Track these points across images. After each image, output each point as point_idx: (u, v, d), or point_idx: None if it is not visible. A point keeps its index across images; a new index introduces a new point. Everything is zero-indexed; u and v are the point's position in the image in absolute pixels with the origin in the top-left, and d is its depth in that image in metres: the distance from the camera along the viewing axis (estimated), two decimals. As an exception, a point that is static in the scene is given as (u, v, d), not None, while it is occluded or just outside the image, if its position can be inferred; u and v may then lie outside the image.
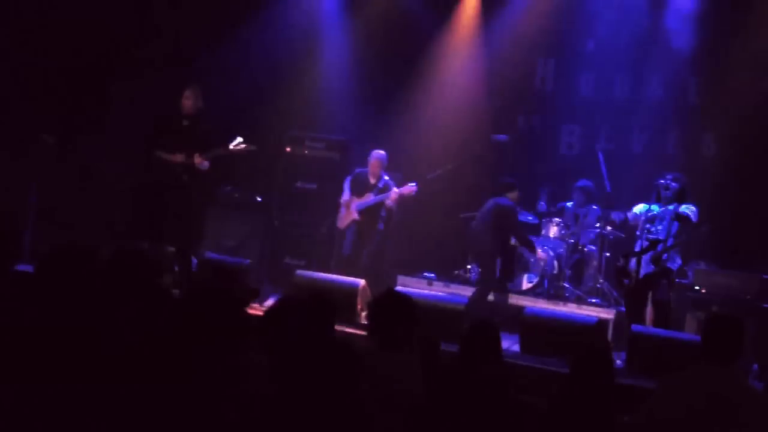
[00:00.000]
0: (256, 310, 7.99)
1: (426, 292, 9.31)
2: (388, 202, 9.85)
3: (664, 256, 8.22)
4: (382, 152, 10.06)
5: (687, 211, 8.26)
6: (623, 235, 9.78)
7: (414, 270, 10.67)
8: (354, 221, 10.02)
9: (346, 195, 10.11)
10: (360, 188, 10.06)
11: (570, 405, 4.13)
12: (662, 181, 8.30)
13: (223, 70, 11.27)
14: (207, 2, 11.18)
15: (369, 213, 9.98)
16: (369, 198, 9.98)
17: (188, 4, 10.99)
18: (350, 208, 10.05)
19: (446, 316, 8.21)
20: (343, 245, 10.10)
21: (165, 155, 8.64)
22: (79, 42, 10.38)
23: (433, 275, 10.62)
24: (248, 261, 9.57)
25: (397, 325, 4.59)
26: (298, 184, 11.20)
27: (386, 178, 10.02)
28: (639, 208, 8.63)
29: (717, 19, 10.73)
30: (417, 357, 4.66)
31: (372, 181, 10.04)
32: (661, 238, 8.19)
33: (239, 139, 8.81)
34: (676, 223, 8.28)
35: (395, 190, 9.80)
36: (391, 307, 4.64)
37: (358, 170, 10.22)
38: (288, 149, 11.20)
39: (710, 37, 10.80)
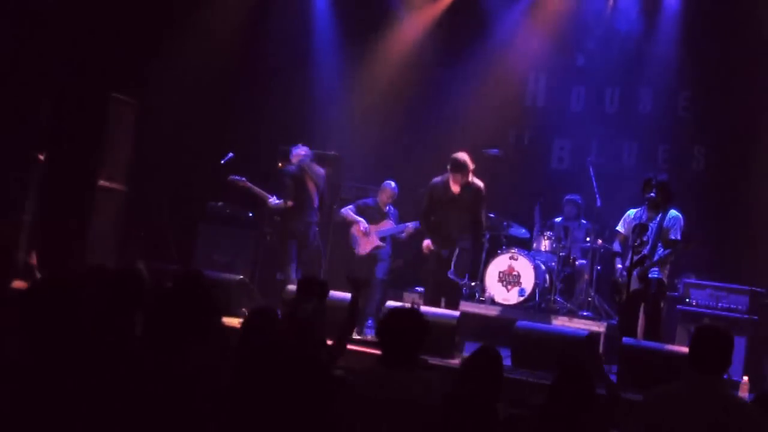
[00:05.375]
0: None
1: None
2: (403, 236, 10.22)
3: (650, 271, 8.28)
4: (394, 184, 10.37)
5: (675, 234, 8.29)
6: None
7: (405, 284, 10.69)
8: (377, 247, 10.25)
9: (364, 224, 10.29)
10: (374, 217, 10.34)
11: (552, 417, 4.14)
12: (651, 194, 8.33)
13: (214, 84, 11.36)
14: (203, 20, 11.27)
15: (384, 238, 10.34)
16: (390, 225, 10.31)
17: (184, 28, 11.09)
18: (370, 235, 10.27)
19: (437, 330, 8.21)
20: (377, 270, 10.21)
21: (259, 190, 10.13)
22: (77, 58, 10.41)
23: (423, 290, 10.63)
24: (240, 276, 9.61)
25: (409, 342, 4.51)
26: (290, 199, 11.20)
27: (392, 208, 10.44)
28: (631, 213, 8.66)
29: (706, 32, 10.80)
30: (433, 374, 4.57)
31: (384, 210, 10.35)
32: (646, 253, 8.23)
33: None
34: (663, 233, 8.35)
35: (410, 225, 10.14)
36: (403, 324, 4.55)
37: (361, 201, 10.50)
38: (279, 164, 11.21)
39: (700, 51, 10.87)
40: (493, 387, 4.54)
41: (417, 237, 10.30)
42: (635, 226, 8.32)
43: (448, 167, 9.15)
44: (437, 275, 9.28)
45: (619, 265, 8.59)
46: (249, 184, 10.14)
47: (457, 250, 9.17)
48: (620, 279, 8.44)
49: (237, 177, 10.13)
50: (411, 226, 10.14)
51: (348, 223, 10.43)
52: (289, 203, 10.00)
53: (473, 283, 10.09)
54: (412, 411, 4.23)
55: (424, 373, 4.47)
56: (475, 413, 4.29)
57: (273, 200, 10.08)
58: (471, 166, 9.15)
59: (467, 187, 9.17)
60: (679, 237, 8.31)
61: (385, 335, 4.52)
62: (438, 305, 9.10)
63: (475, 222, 9.29)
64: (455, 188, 9.18)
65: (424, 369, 4.64)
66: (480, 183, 9.24)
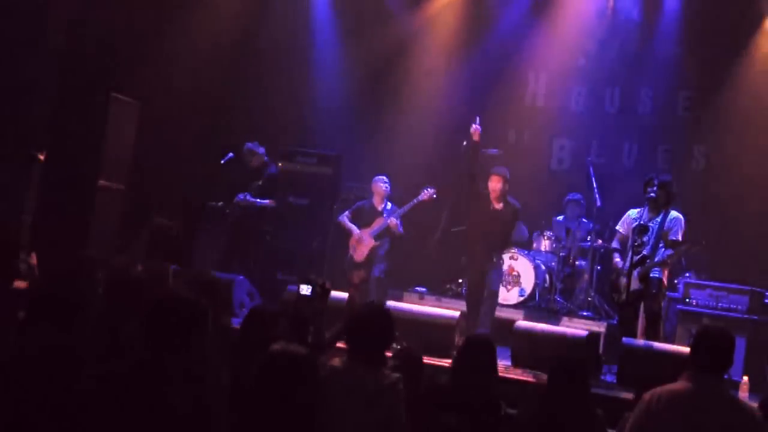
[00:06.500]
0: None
1: (417, 306, 9.32)
2: (395, 231, 10.01)
3: (651, 271, 8.28)
4: (385, 177, 10.18)
5: (675, 235, 8.28)
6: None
7: (405, 284, 10.68)
8: (373, 248, 10.04)
9: (356, 231, 10.10)
10: (367, 218, 10.12)
11: (546, 416, 4.15)
12: (651, 194, 8.32)
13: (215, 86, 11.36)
14: (203, 20, 11.27)
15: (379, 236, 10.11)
16: (381, 222, 10.05)
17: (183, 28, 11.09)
18: (363, 239, 10.06)
19: (437, 330, 8.24)
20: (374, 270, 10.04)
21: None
22: (77, 58, 10.40)
23: (424, 289, 10.64)
24: (240, 276, 9.61)
25: (375, 340, 4.53)
26: (290, 199, 11.21)
27: (389, 205, 10.19)
28: (632, 213, 8.65)
29: (706, 32, 10.80)
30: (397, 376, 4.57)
31: (379, 207, 10.14)
32: (646, 253, 8.23)
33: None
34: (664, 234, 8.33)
35: (394, 219, 9.97)
36: (371, 321, 4.57)
37: (357, 205, 10.30)
38: (280, 164, 11.21)
39: (700, 51, 10.86)
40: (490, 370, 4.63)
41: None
42: (636, 226, 8.31)
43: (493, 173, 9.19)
44: (480, 288, 9.25)
45: (618, 258, 8.56)
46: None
47: (493, 265, 9.22)
48: (622, 270, 8.38)
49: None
50: (395, 220, 9.94)
51: (345, 232, 10.29)
52: (273, 203, 10.28)
53: (460, 280, 10.21)
54: (369, 409, 4.25)
55: (387, 373, 4.47)
56: None
57: (243, 196, 10.40)
58: (508, 176, 9.22)
59: (508, 205, 9.24)
60: (679, 238, 8.29)
61: (351, 332, 4.56)
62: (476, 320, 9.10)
63: (506, 239, 9.43)
64: (498, 205, 9.21)
65: (393, 367, 4.65)
66: (518, 204, 9.32)
